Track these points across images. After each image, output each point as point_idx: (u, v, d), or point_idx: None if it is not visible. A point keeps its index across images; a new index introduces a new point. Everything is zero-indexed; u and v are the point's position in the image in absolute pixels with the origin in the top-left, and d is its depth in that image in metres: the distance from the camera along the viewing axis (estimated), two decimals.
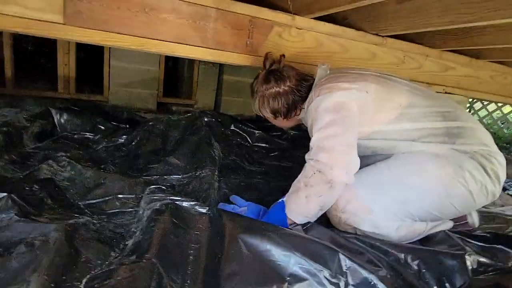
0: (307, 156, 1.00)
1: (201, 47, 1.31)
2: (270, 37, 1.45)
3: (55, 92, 2.40)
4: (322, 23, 1.52)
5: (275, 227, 0.83)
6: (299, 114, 1.19)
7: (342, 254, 0.79)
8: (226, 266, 0.68)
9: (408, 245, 0.98)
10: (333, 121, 0.97)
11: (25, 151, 1.21)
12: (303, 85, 1.14)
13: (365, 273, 0.79)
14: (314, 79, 1.15)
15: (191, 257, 0.74)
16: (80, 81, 2.57)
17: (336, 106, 0.98)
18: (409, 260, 0.92)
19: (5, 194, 0.80)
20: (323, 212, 0.98)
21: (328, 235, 0.96)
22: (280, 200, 0.99)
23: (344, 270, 0.78)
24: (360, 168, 0.98)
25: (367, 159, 1.06)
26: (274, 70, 1.14)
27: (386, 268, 0.86)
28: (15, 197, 0.82)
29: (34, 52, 3.50)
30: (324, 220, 1.05)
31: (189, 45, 1.28)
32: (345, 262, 0.79)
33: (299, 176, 0.98)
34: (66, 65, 2.39)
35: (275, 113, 1.16)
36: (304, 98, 1.14)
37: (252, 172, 1.49)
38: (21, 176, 1.02)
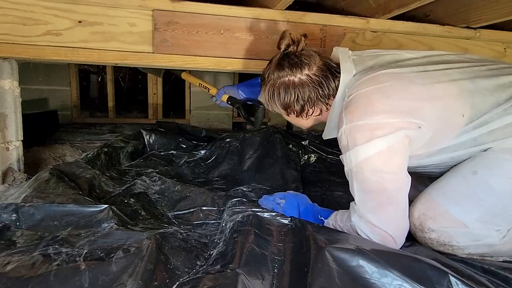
0: (353, 211, 0.84)
1: None
2: (343, 43, 1.40)
3: (146, 119, 2.71)
4: (400, 22, 1.41)
5: (367, 241, 0.74)
6: (319, 115, 0.97)
7: (453, 276, 0.66)
8: (314, 281, 0.63)
9: None
10: (379, 183, 0.79)
11: (122, 169, 1.36)
12: (328, 78, 0.90)
13: None
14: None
15: (275, 270, 0.70)
16: (166, 108, 2.87)
17: (380, 162, 0.78)
18: None
19: (106, 206, 0.89)
20: None
21: (427, 253, 0.83)
22: (321, 217, 0.95)
23: None
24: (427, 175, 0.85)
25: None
26: (290, 53, 0.91)
27: None
28: (115, 209, 0.90)
29: (130, 88, 4.03)
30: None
31: (262, 59, 1.31)
32: (458, 287, 0.66)
33: (343, 223, 0.86)
34: (155, 94, 2.69)
35: (286, 108, 0.94)
36: (327, 96, 0.92)
37: (333, 184, 1.42)
38: (120, 191, 1.13)
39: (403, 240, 0.82)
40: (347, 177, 0.87)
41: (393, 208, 0.80)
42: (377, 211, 0.79)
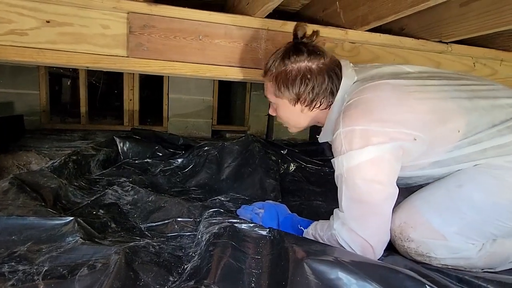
0: (336, 217, 0.83)
1: (253, 68, 1.31)
2: None
3: (121, 125, 2.62)
4: (377, 34, 1.44)
5: (346, 252, 0.73)
6: (325, 109, 0.94)
7: (430, 286, 0.66)
8: None
9: (509, 278, 0.80)
10: (368, 193, 0.78)
11: (92, 178, 1.29)
12: (337, 75, 0.90)
13: None
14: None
15: (253, 284, 0.67)
16: (143, 114, 2.79)
17: (371, 170, 0.77)
18: None
19: (72, 218, 0.83)
20: None
21: (404, 264, 0.83)
22: (300, 227, 0.94)
23: None
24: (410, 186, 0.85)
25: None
26: (306, 42, 0.92)
27: None
28: (81, 221, 0.84)
29: (105, 93, 3.90)
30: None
31: (242, 67, 1.29)
32: None
33: (324, 232, 0.85)
34: (131, 100, 2.61)
35: (298, 97, 0.91)
36: (332, 94, 0.91)
37: (312, 193, 1.41)
38: (89, 201, 1.06)
39: (382, 251, 0.82)
40: (336, 182, 0.85)
41: (378, 218, 0.79)
42: (362, 220, 0.79)
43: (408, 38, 1.48)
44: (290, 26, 1.32)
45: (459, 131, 0.80)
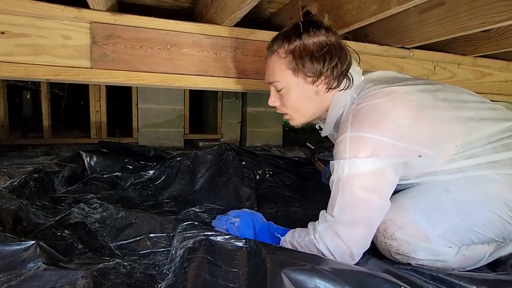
0: (322, 220, 0.81)
1: (223, 77, 1.30)
2: None
3: (88, 138, 2.51)
4: (343, 41, 1.48)
5: (323, 260, 0.73)
6: (340, 90, 0.89)
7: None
8: None
9: (479, 274, 0.83)
10: (363, 202, 0.78)
11: (56, 196, 1.21)
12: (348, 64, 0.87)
13: None
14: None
15: None
16: (112, 126, 2.69)
17: (372, 182, 0.77)
18: None
19: (33, 242, 0.77)
20: None
21: (382, 267, 0.84)
22: (277, 235, 0.92)
23: None
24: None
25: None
26: (318, 19, 0.88)
27: None
28: (44, 245, 0.78)
29: (70, 105, 3.74)
30: (372, 249, 0.93)
31: (211, 76, 1.28)
32: None
33: (302, 238, 0.84)
34: (98, 111, 2.51)
35: (320, 73, 0.84)
36: (348, 78, 0.89)
37: (288, 199, 1.41)
38: (53, 222, 1.00)
39: (359, 257, 0.82)
40: (330, 185, 0.83)
41: (366, 229, 0.79)
42: (351, 227, 0.78)
43: (372, 44, 1.53)
44: (258, 35, 1.33)
45: (456, 146, 0.82)
